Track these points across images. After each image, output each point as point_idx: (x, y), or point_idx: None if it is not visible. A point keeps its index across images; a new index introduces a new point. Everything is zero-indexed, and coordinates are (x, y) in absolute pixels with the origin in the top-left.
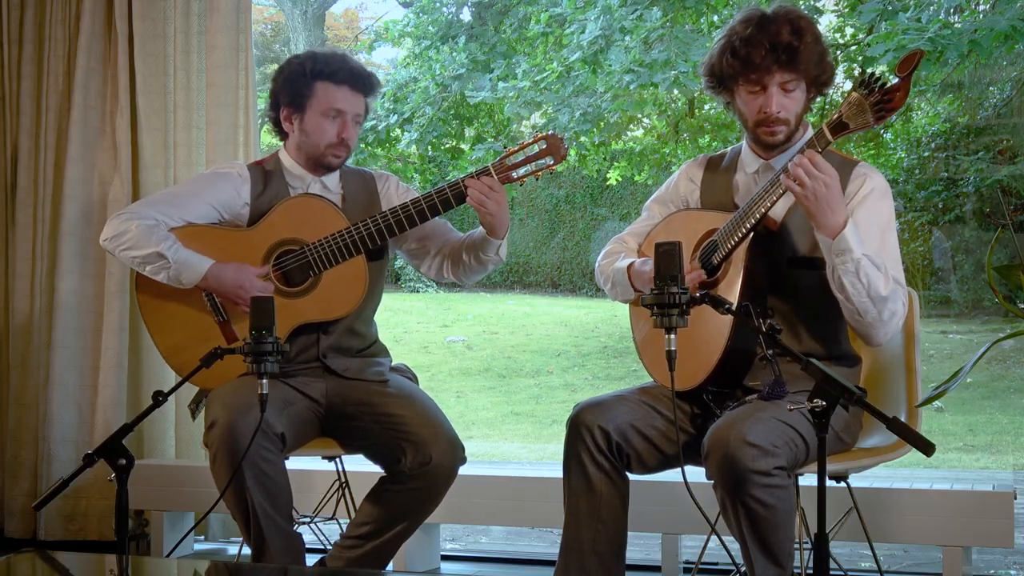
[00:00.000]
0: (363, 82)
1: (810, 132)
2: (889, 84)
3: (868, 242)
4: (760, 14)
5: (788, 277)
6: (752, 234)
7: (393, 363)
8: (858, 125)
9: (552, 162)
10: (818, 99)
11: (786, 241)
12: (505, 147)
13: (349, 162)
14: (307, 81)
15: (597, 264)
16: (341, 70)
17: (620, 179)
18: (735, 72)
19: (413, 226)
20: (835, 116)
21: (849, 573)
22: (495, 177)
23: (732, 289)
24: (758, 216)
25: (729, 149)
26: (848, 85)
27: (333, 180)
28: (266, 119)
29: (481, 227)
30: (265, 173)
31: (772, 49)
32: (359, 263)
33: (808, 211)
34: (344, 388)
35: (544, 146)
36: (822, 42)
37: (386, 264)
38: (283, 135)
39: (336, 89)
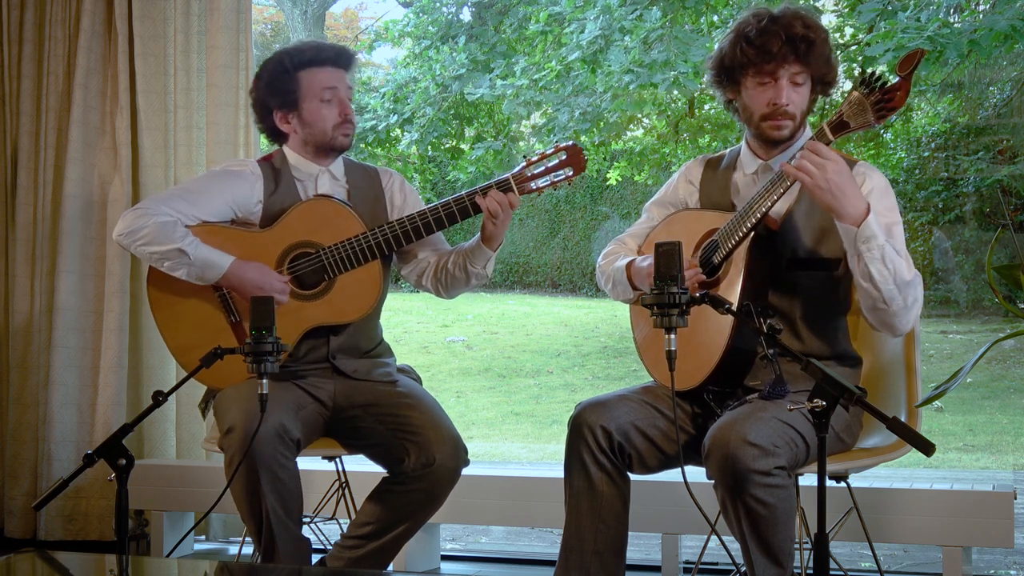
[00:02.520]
0: (343, 58)
1: (809, 132)
2: (890, 83)
3: None
4: (769, 11)
5: (789, 277)
6: (752, 234)
7: (398, 364)
8: (859, 124)
9: (572, 173)
10: (819, 100)
11: (787, 241)
12: (523, 156)
13: (353, 157)
14: (290, 76)
15: (598, 264)
16: (318, 52)
17: (620, 179)
18: (748, 61)
19: (430, 233)
20: (836, 115)
21: (849, 573)
22: (516, 191)
23: (733, 289)
24: (758, 216)
25: (728, 150)
26: (849, 85)
27: (339, 171)
28: (258, 129)
29: (476, 237)
30: (274, 170)
31: (788, 40)
32: (374, 268)
33: (825, 204)
34: (351, 389)
35: (564, 157)
36: (830, 43)
37: (391, 264)
38: (281, 138)
39: (320, 71)
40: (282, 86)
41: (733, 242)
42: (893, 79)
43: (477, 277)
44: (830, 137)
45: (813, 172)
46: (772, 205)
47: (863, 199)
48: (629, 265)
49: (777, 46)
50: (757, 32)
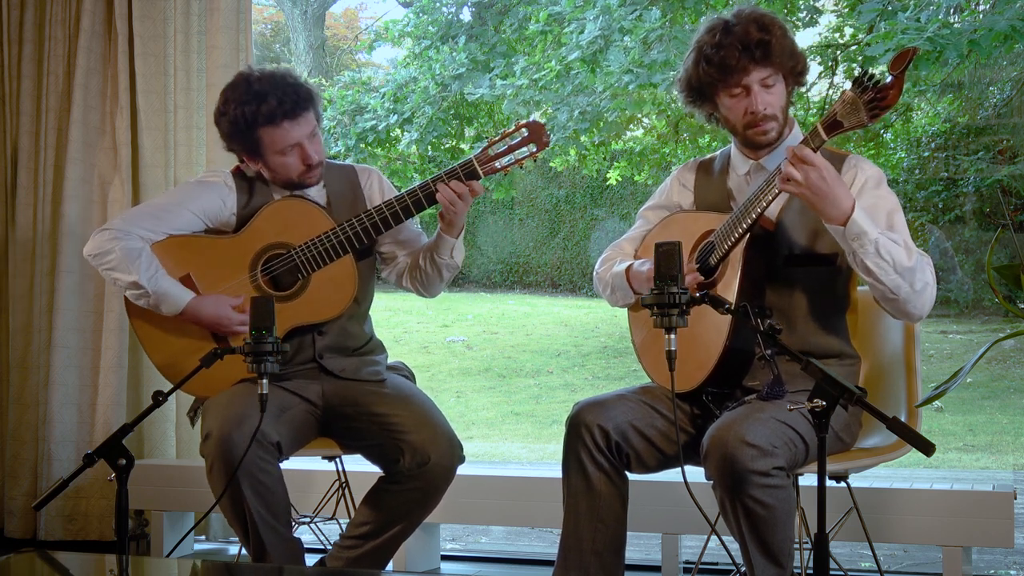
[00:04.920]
0: (301, 104)
1: (796, 128)
2: (882, 82)
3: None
4: (724, 21)
5: (786, 276)
6: (748, 234)
7: (390, 361)
8: (852, 123)
9: (535, 149)
10: (797, 91)
11: (782, 240)
12: (485, 137)
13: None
14: (250, 133)
15: (595, 272)
16: (275, 109)
17: (620, 179)
18: (713, 79)
19: (399, 223)
20: (829, 114)
21: (849, 573)
22: (480, 174)
23: (730, 289)
24: (754, 216)
25: (718, 152)
26: (849, 85)
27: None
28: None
29: (438, 228)
30: (249, 181)
31: (745, 49)
32: (347, 263)
33: (811, 205)
34: (341, 389)
35: (526, 134)
36: (790, 34)
37: (375, 260)
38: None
39: (278, 129)
40: (244, 141)
41: (729, 243)
42: (887, 78)
43: (447, 268)
44: (824, 136)
45: (796, 177)
46: (768, 205)
47: (848, 198)
48: (628, 269)
49: (736, 58)
50: (714, 49)
